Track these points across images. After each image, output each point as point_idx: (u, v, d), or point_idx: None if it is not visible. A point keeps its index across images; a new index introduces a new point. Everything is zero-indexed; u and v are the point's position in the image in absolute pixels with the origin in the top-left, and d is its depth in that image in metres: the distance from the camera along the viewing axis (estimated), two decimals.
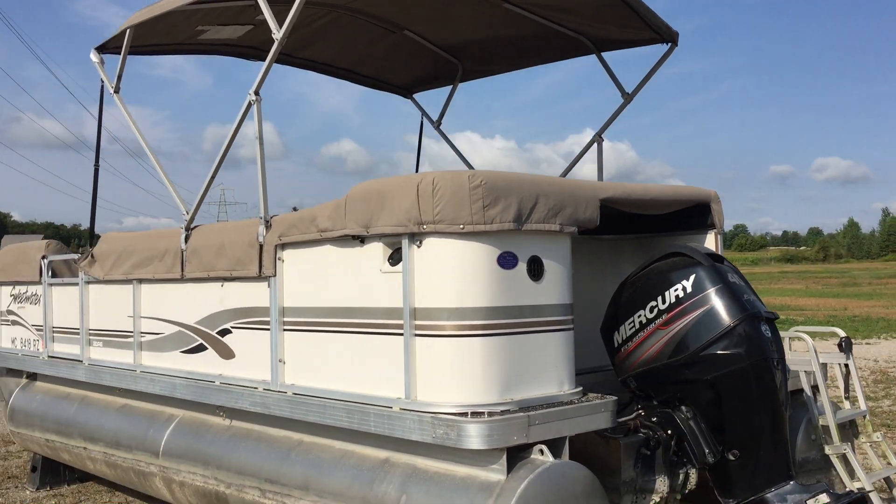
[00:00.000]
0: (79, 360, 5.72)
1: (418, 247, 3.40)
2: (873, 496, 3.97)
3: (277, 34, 4.08)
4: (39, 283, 6.17)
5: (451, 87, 6.75)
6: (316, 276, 3.92)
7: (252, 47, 6.22)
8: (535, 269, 3.47)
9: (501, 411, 3.27)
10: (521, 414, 3.26)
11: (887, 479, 4.42)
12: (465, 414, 3.26)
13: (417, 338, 3.41)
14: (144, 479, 5.07)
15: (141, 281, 5.11)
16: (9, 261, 6.60)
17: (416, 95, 7.11)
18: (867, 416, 4.50)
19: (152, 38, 5.53)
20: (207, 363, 4.62)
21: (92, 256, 5.48)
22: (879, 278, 53.32)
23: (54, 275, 6.11)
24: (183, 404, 4.89)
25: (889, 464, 4.48)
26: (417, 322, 3.41)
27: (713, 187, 4.57)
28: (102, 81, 5.47)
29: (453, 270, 3.33)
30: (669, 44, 5.32)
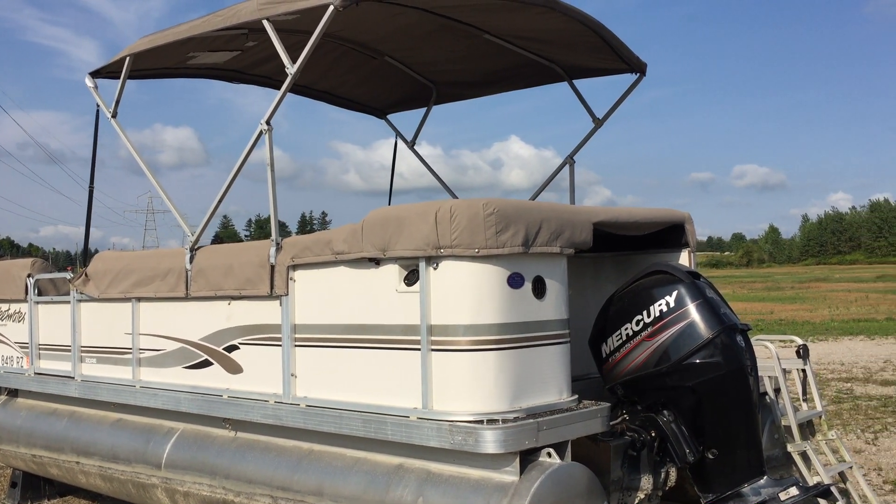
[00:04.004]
0: (70, 377, 5.83)
1: (434, 269, 3.70)
2: (833, 489, 4.43)
3: (291, 69, 4.34)
4: (24, 300, 6.24)
5: (424, 108, 7.06)
6: (329, 295, 4.19)
7: (236, 70, 6.43)
8: (539, 288, 3.82)
9: (514, 418, 3.60)
10: (531, 420, 3.60)
11: (842, 473, 4.90)
12: (480, 421, 3.58)
13: (434, 352, 3.72)
14: (144, 491, 5.23)
15: (140, 299, 5.28)
16: None
17: (389, 116, 7.39)
18: (823, 417, 4.97)
19: (145, 64, 5.69)
20: (213, 378, 4.83)
21: (86, 275, 5.61)
22: (801, 282, 55.59)
23: (40, 293, 6.20)
24: (183, 417, 5.07)
25: (843, 459, 4.96)
26: (433, 338, 3.71)
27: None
28: (98, 106, 5.62)
29: (468, 290, 3.65)
30: (638, 74, 5.74)
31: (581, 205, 5.23)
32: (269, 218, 4.57)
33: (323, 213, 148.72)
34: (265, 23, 4.51)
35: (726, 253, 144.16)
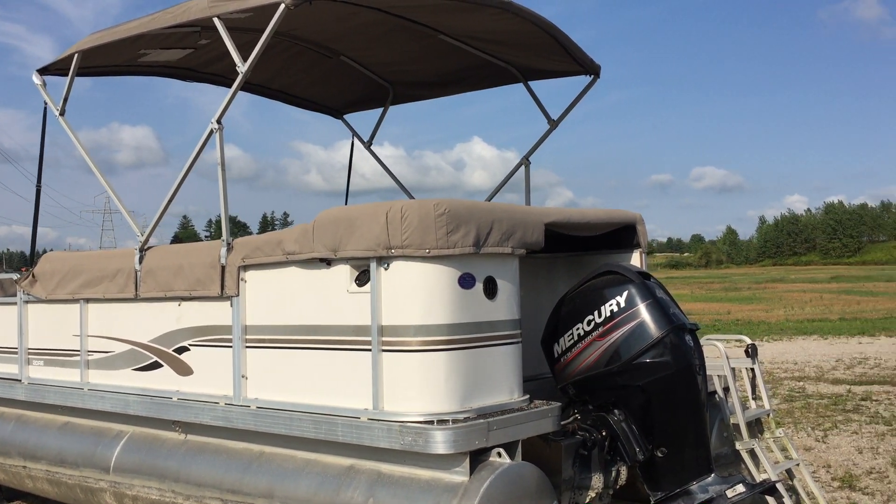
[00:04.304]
0: (16, 380, 5.72)
1: (385, 269, 3.69)
2: (779, 486, 4.51)
3: (242, 67, 4.29)
4: None
5: (382, 108, 7.04)
6: (280, 295, 4.15)
7: (189, 69, 6.35)
8: (490, 289, 3.83)
9: (464, 419, 3.60)
10: (482, 420, 3.61)
11: (788, 471, 4.99)
12: (430, 422, 3.58)
13: (384, 353, 3.71)
14: (93, 496, 5.13)
15: (89, 300, 5.19)
16: None
17: (346, 116, 7.36)
18: (771, 415, 5.06)
19: (95, 61, 5.60)
20: (162, 380, 4.76)
21: (33, 276, 5.50)
22: (758, 283, 56.51)
23: None
24: (133, 420, 4.99)
25: (789, 457, 5.05)
26: (384, 338, 3.70)
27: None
28: (46, 104, 5.52)
29: (419, 291, 3.65)
30: (592, 76, 5.79)
31: (542, 206, 5.25)
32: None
33: (285, 213, 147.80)
34: (216, 21, 4.46)
35: (685, 254, 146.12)
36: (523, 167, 6.25)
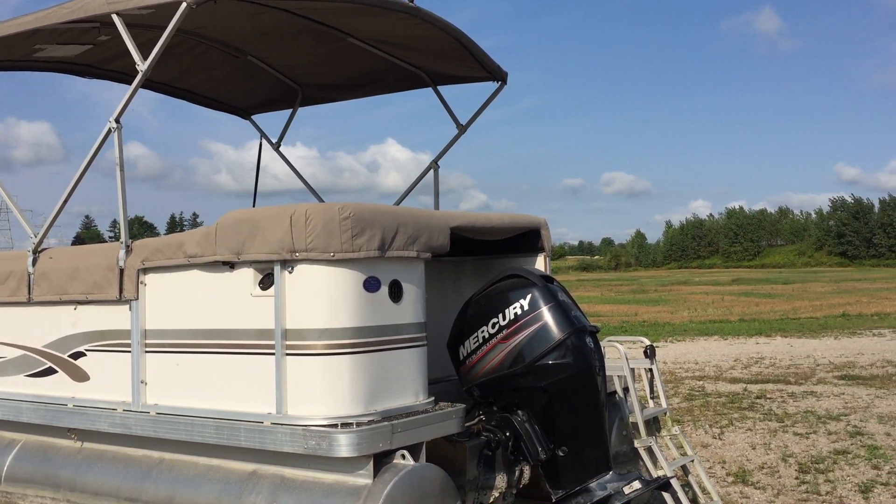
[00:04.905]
0: None
1: (290, 272, 3.67)
2: (673, 481, 4.68)
3: (142, 66, 4.20)
4: None
5: (290, 110, 6.98)
6: (181, 299, 4.08)
7: (88, 65, 6.16)
8: (396, 292, 3.85)
9: (368, 421, 3.62)
10: (386, 423, 3.63)
11: (684, 467, 5.18)
12: (334, 425, 3.58)
13: (288, 357, 3.68)
14: None
15: None
16: None
17: (255, 117, 7.27)
18: (667, 413, 5.24)
19: None
20: (57, 386, 4.61)
21: None
22: (664, 285, 58.25)
23: None
24: (25, 428, 4.82)
25: (685, 454, 5.25)
26: (288, 342, 3.68)
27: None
28: None
29: (323, 294, 3.64)
30: (500, 82, 5.88)
31: (456, 208, 5.30)
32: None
33: (194, 213, 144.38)
34: (114, 17, 4.35)
35: (596, 257, 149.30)
36: (432, 171, 6.30)
